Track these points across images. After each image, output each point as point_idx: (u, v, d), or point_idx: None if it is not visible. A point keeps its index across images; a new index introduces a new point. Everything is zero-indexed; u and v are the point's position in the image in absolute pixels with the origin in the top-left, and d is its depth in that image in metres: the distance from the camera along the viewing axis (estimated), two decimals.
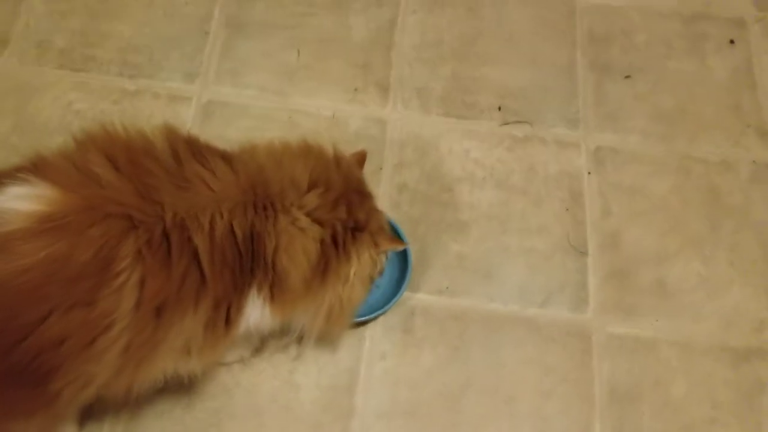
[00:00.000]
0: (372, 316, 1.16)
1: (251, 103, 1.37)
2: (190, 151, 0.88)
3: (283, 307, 0.92)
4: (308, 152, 0.96)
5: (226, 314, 0.87)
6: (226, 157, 0.90)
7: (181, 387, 1.07)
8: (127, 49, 1.41)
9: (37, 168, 0.83)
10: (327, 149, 0.98)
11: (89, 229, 0.78)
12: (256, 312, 0.90)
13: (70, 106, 1.33)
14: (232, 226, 0.85)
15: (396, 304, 1.19)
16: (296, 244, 0.89)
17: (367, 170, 1.29)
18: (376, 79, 1.42)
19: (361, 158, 1.06)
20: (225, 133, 1.33)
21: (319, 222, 0.91)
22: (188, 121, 1.34)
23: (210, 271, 0.83)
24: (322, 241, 0.91)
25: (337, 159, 0.97)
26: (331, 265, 0.93)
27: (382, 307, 1.17)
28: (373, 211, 0.99)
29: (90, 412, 1.07)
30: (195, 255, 0.82)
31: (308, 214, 0.91)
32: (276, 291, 0.90)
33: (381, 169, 1.32)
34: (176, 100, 1.36)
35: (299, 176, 0.92)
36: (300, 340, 1.09)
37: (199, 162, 0.87)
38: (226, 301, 0.86)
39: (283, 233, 0.88)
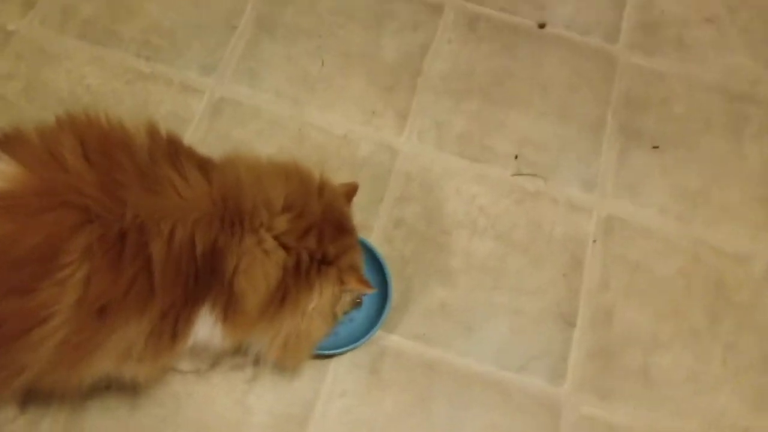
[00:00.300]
0: (339, 351, 1.12)
1: (264, 107, 1.34)
2: (168, 153, 0.85)
3: (235, 329, 0.88)
4: (291, 174, 0.92)
5: (174, 326, 0.84)
6: (203, 166, 0.87)
7: (131, 387, 1.04)
8: (150, 30, 1.38)
9: (8, 141, 0.80)
10: (313, 174, 0.95)
11: (42, 214, 0.75)
12: (206, 329, 0.87)
13: (83, 80, 1.31)
14: (193, 237, 0.81)
15: (367, 342, 1.15)
16: (257, 267, 0.86)
17: (367, 199, 1.26)
18: (396, 105, 1.37)
19: (350, 191, 1.02)
20: (231, 133, 1.30)
21: (285, 247, 0.88)
22: (197, 114, 1.31)
23: (161, 281, 0.79)
24: (284, 268, 0.87)
25: (321, 186, 0.94)
26: (291, 294, 0.89)
27: (353, 343, 1.13)
28: (348, 248, 0.95)
29: (35, 398, 1.05)
30: (148, 261, 0.79)
31: (276, 238, 0.87)
32: (230, 312, 0.87)
33: (382, 199, 1.28)
34: (188, 91, 1.33)
35: (275, 197, 0.88)
36: (256, 362, 1.05)
37: (174, 166, 0.84)
38: (175, 314, 0.83)
39: (246, 253, 0.85)
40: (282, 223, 0.87)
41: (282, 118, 1.33)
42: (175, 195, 0.82)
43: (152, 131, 0.87)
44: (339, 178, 1.07)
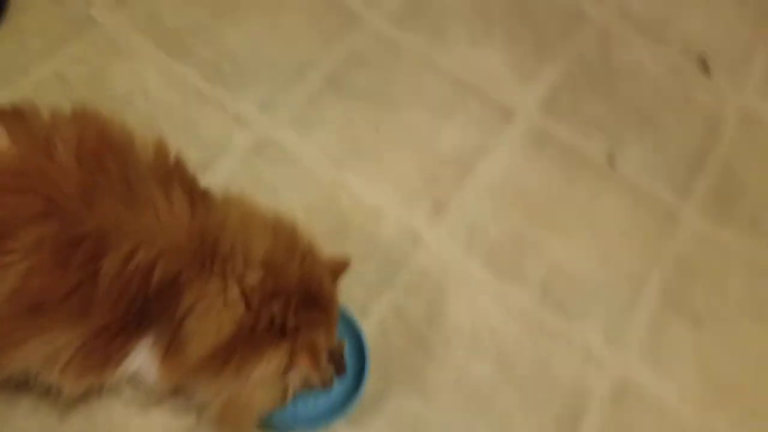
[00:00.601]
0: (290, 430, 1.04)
1: (305, 158, 1.31)
2: (164, 174, 0.81)
3: (172, 372, 0.82)
4: (281, 232, 0.87)
5: (106, 348, 0.78)
6: (196, 196, 0.83)
7: (61, 398, 0.98)
8: (224, 56, 1.39)
9: (13, 116, 0.79)
10: (302, 238, 0.89)
11: (6, 194, 0.72)
12: (141, 362, 0.81)
13: (143, 84, 1.32)
14: (154, 264, 0.76)
15: (325, 427, 1.05)
16: (213, 314, 0.80)
17: (375, 279, 1.19)
18: (436, 195, 1.32)
19: (339, 266, 0.95)
20: (262, 173, 1.27)
21: (247, 303, 0.81)
22: (237, 146, 1.29)
23: (103, 298, 0.74)
24: (239, 325, 0.81)
25: (306, 253, 0.87)
26: (237, 354, 0.82)
27: (309, 424, 1.04)
28: (313, 324, 0.87)
29: None
30: (96, 274, 0.74)
31: (242, 291, 0.81)
32: (171, 352, 0.80)
33: (390, 285, 1.21)
34: (238, 122, 1.32)
35: (256, 249, 0.83)
36: (200, 412, 0.98)
37: (164, 187, 0.80)
38: (110, 336, 0.78)
39: (206, 297, 0.80)
40: (253, 277, 0.81)
41: (318, 174, 1.29)
42: (151, 216, 0.78)
43: (160, 148, 0.84)
44: (353, 249, 1.02)
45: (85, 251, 0.74)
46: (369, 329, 1.13)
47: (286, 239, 0.87)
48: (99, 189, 0.76)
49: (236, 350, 0.82)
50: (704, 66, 1.60)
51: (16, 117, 0.79)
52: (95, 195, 0.76)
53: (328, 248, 0.95)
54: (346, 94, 1.40)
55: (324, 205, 1.26)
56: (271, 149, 1.30)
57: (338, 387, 1.07)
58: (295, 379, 0.88)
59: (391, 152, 1.35)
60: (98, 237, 0.75)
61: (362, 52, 1.46)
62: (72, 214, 0.74)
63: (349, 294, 1.05)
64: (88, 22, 1.37)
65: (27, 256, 0.72)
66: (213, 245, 0.81)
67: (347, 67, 1.43)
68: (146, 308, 0.78)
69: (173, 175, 0.82)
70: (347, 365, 1.04)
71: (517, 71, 1.51)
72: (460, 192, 1.33)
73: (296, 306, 0.84)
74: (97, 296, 0.75)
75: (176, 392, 0.92)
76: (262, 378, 0.84)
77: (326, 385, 1.05)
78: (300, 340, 0.85)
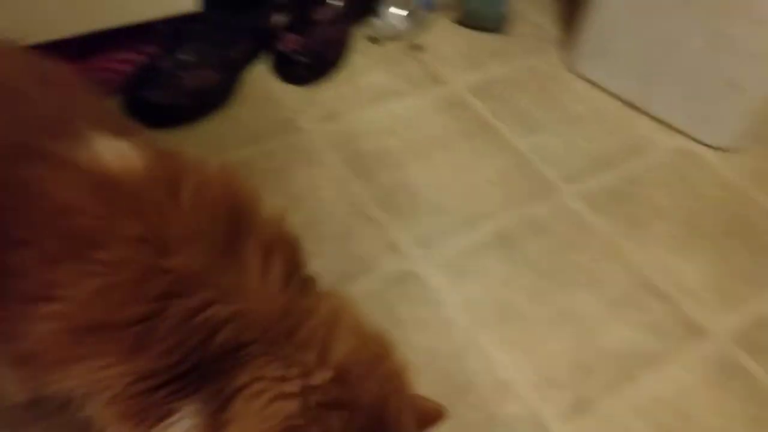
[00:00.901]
0: None
1: (447, 306, 1.19)
2: (270, 241, 0.75)
3: None
4: (371, 343, 0.75)
5: (151, 396, 0.69)
6: (293, 275, 0.75)
7: None
8: (401, 186, 1.37)
9: (160, 151, 0.79)
10: (394, 361, 0.75)
11: (112, 208, 0.71)
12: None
13: (316, 190, 1.33)
14: (223, 325, 0.68)
15: None
16: (262, 403, 0.68)
17: None
18: (582, 392, 1.10)
19: (430, 415, 0.78)
20: (396, 306, 1.17)
21: (303, 404, 0.68)
22: (382, 272, 1.22)
23: (161, 339, 0.67)
24: (287, 426, 0.68)
25: (392, 377, 0.73)
26: None
27: None
28: None
29: None
30: (163, 312, 0.68)
31: (302, 388, 0.69)
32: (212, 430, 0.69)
33: None
34: (390, 249, 1.25)
35: (335, 349, 0.71)
36: None
37: (266, 254, 0.73)
38: (158, 384, 0.69)
39: (262, 380, 0.69)
40: (321, 377, 0.70)
41: (454, 325, 1.16)
42: (240, 275, 0.71)
43: (278, 219, 0.79)
44: (464, 419, 0.88)
45: (161, 285, 0.68)
46: None
47: (375, 354, 0.74)
48: (201, 234, 0.72)
49: None
50: None
51: (162, 152, 0.79)
52: (194, 238, 0.71)
53: (449, 408, 0.81)
54: (512, 255, 1.28)
55: (449, 359, 1.12)
56: (414, 285, 1.21)
57: None
58: None
59: (543, 329, 1.18)
60: (180, 276, 0.69)
61: (544, 221, 1.36)
62: (165, 247, 0.70)
63: None
64: (291, 127, 1.45)
65: (109, 272, 0.68)
66: (291, 328, 0.71)
67: (523, 230, 1.33)
68: (201, 369, 0.69)
69: (280, 247, 0.75)
70: None
71: (719, 291, 1.30)
72: (612, 397, 1.11)
73: (355, 428, 0.70)
74: (157, 335, 0.68)
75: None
76: None
77: None
78: None
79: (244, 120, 1.43)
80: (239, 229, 0.74)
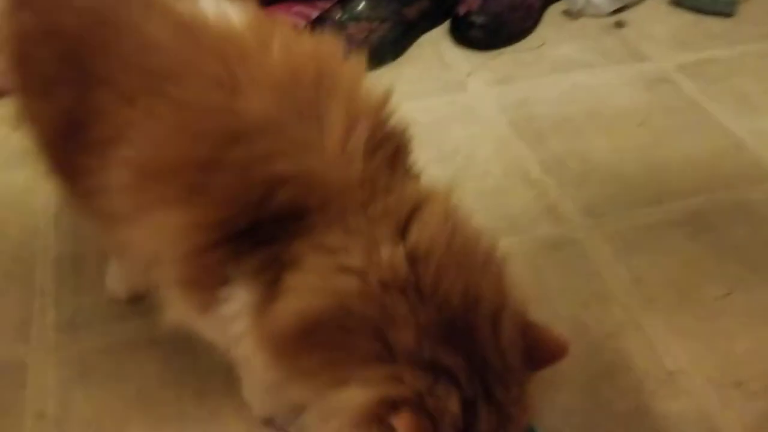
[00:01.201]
0: None
1: (598, 276, 0.98)
2: (358, 108, 0.63)
3: (262, 340, 0.60)
4: (465, 237, 0.59)
5: (209, 255, 0.61)
6: (378, 152, 0.62)
7: None
8: (574, 154, 1.18)
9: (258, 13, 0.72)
10: (497, 264, 0.59)
11: (197, 50, 0.64)
12: (238, 306, 0.61)
13: (474, 146, 1.20)
14: (285, 181, 0.59)
15: None
16: (313, 276, 0.57)
17: None
18: None
19: (549, 350, 0.57)
20: (543, 269, 0.98)
21: (364, 284, 0.55)
22: (536, 235, 1.04)
23: (218, 186, 0.60)
24: (340, 308, 0.56)
25: (495, 281, 0.58)
26: (323, 350, 0.57)
27: None
28: (455, 377, 0.54)
29: None
30: (223, 157, 0.60)
31: (364, 265, 0.56)
32: (264, 305, 0.59)
33: None
34: (549, 213, 1.07)
35: (416, 231, 0.58)
36: None
37: (350, 121, 0.61)
38: (215, 241, 0.60)
39: (320, 249, 0.58)
40: (392, 252, 0.56)
41: (612, 301, 0.94)
42: (312, 132, 0.60)
43: (382, 99, 0.66)
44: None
45: (226, 127, 0.60)
46: None
47: (470, 247, 0.58)
48: (281, 86, 0.62)
49: (325, 344, 0.56)
50: None
51: (266, 16, 0.72)
52: (272, 87, 0.62)
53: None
54: (706, 239, 1.03)
55: (601, 337, 0.91)
56: (571, 253, 1.01)
57: None
58: None
59: (733, 323, 0.91)
60: (247, 120, 0.60)
61: (756, 208, 1.08)
62: (238, 89, 0.62)
63: None
64: (456, 86, 1.34)
65: (175, 108, 0.62)
66: (366, 200, 0.59)
67: (728, 214, 1.07)
68: (256, 229, 0.59)
69: (369, 117, 0.63)
70: None
71: None
72: None
73: (443, 334, 0.54)
74: (216, 182, 0.59)
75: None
76: (342, 407, 0.55)
77: None
78: (421, 383, 0.53)
79: (407, 77, 1.35)
80: (326, 92, 0.63)
